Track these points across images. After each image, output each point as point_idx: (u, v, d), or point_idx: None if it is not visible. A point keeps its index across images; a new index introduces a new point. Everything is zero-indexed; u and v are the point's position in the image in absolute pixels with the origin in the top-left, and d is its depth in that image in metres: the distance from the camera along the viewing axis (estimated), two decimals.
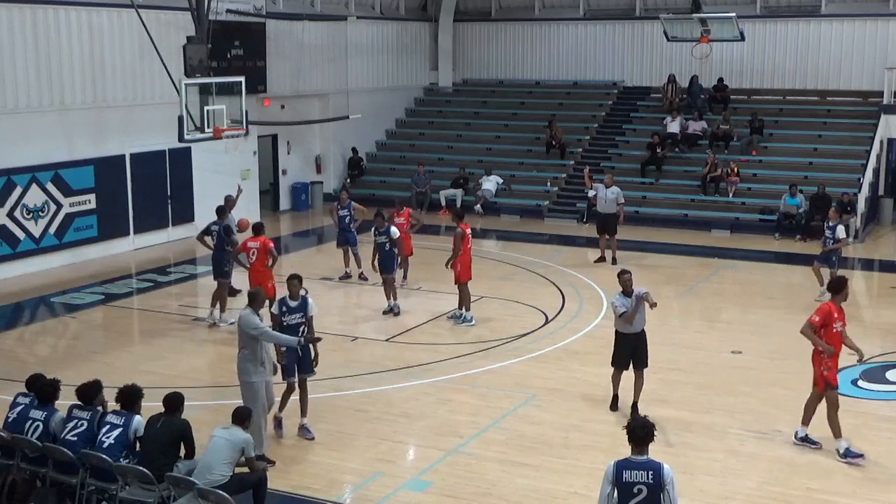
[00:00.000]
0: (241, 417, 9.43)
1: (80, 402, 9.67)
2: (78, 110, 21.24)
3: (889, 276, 21.34)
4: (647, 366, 12.37)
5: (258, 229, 16.17)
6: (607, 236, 21.18)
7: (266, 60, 25.94)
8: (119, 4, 21.03)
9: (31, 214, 20.31)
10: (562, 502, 10.12)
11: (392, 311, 17.06)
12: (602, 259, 21.25)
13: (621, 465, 7.39)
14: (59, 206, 20.83)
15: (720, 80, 29.27)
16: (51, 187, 20.64)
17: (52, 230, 20.72)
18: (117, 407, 9.59)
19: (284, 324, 11.29)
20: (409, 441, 11.84)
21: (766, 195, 25.65)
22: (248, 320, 10.75)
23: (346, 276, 19.65)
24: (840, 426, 11.09)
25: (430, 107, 33.22)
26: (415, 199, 27.88)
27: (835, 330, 10.91)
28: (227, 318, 16.55)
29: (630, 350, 12.26)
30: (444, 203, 27.97)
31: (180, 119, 17.59)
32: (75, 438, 9.38)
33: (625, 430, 7.63)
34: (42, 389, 9.81)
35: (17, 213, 20.01)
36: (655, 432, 7.61)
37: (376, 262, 17.26)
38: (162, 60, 18.95)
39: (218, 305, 16.63)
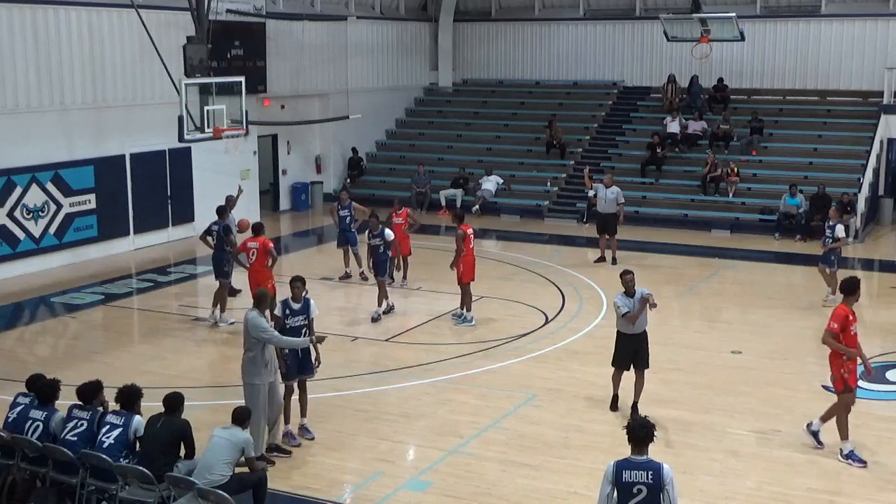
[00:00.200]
0: (241, 417, 9.44)
1: (80, 402, 9.67)
2: (78, 110, 21.25)
3: (889, 276, 21.34)
4: (648, 366, 12.36)
5: (258, 229, 16.17)
6: (607, 236, 21.19)
7: (266, 60, 25.94)
8: (119, 4, 21.03)
9: (31, 214, 20.31)
10: (562, 502, 10.12)
11: (386, 312, 16.93)
12: (602, 259, 21.26)
13: (621, 465, 7.39)
14: (59, 206, 20.83)
15: (720, 80, 29.27)
16: (51, 187, 20.64)
17: (52, 230, 20.72)
18: (117, 407, 9.59)
19: (287, 326, 11.26)
20: (409, 441, 11.84)
21: (766, 195, 25.65)
22: (257, 323, 10.69)
23: (347, 276, 19.65)
24: (848, 430, 11.07)
25: (430, 107, 33.22)
26: (415, 199, 27.90)
27: (852, 332, 10.87)
28: (227, 318, 16.56)
29: (631, 351, 12.26)
30: (444, 203, 27.98)
31: (180, 119, 17.59)
32: (75, 438, 9.38)
33: (625, 430, 7.63)
34: (42, 389, 9.81)
35: (17, 213, 20.02)
36: (655, 432, 7.60)
37: (370, 265, 17.25)
38: (162, 60, 18.95)
39: (218, 306, 16.62)
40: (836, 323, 10.78)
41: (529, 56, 32.81)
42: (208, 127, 18.04)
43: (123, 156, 22.24)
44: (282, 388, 11.38)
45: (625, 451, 7.57)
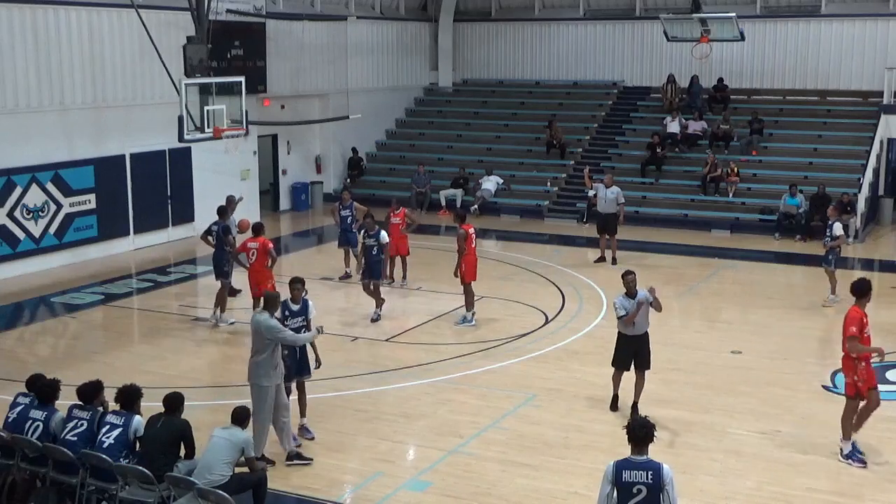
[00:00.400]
0: (241, 417, 9.44)
1: (80, 402, 9.66)
2: (78, 110, 21.24)
3: (889, 276, 21.33)
4: (649, 367, 12.35)
5: (258, 230, 16.18)
6: (607, 236, 21.19)
7: (266, 60, 25.94)
8: (119, 4, 21.03)
9: (31, 214, 20.30)
10: (562, 502, 10.13)
11: (378, 318, 16.79)
12: (602, 259, 21.26)
13: (621, 465, 7.39)
14: (59, 206, 20.83)
15: (720, 80, 29.28)
16: (51, 187, 20.64)
17: (52, 230, 20.72)
18: (117, 407, 9.59)
19: (286, 327, 11.26)
20: (409, 441, 11.83)
21: (766, 195, 25.65)
22: (271, 324, 10.64)
23: (347, 276, 19.64)
24: (851, 431, 11.06)
25: (430, 107, 33.22)
26: (415, 199, 27.91)
27: (866, 335, 10.83)
28: (227, 318, 16.56)
29: (631, 352, 12.25)
30: (443, 203, 27.98)
31: (180, 119, 17.58)
32: (75, 438, 9.38)
33: (625, 430, 7.63)
34: (42, 389, 9.81)
35: (17, 213, 20.01)
36: (655, 432, 7.60)
37: (359, 267, 17.18)
38: (162, 60, 18.95)
39: (218, 305, 16.63)
40: (854, 326, 10.69)
41: (529, 56, 32.81)
42: (208, 127, 18.04)
43: (123, 156, 22.24)
44: None
45: (625, 451, 7.57)
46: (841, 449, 11.08)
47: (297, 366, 11.39)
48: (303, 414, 11.71)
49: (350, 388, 13.38)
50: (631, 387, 12.35)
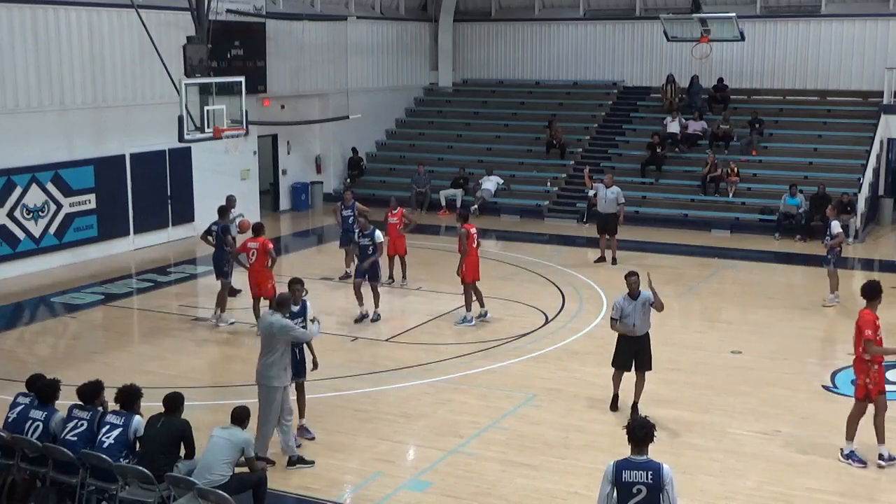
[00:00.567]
0: (241, 417, 9.43)
1: (80, 402, 9.66)
2: (78, 110, 21.24)
3: (889, 276, 21.28)
4: (650, 369, 12.32)
5: (258, 230, 16.17)
6: (607, 236, 21.19)
7: (266, 60, 25.94)
8: (119, 4, 21.02)
9: (31, 214, 20.30)
10: (562, 502, 10.13)
11: (363, 319, 16.61)
12: (602, 259, 21.26)
13: (621, 465, 7.39)
14: (59, 206, 20.83)
15: (720, 80, 29.27)
16: (51, 187, 20.64)
17: (52, 230, 20.72)
18: (117, 407, 9.59)
19: None
20: (409, 441, 11.83)
21: (766, 195, 25.65)
22: (285, 323, 10.65)
23: (347, 276, 19.61)
24: (855, 433, 11.02)
25: (430, 107, 33.22)
26: (415, 199, 27.91)
27: (878, 336, 10.81)
28: (227, 318, 16.56)
29: (631, 353, 12.22)
30: (443, 203, 27.98)
31: (180, 119, 17.58)
32: (75, 438, 9.38)
33: (625, 430, 7.63)
34: (42, 389, 9.81)
35: (17, 213, 20.01)
36: (655, 433, 7.60)
37: (348, 265, 17.12)
38: (162, 60, 18.95)
39: (219, 305, 16.63)
40: (870, 329, 10.60)
41: (529, 56, 32.81)
42: (208, 127, 18.04)
43: (123, 156, 22.23)
44: None
45: (625, 451, 7.57)
46: (841, 449, 11.08)
47: (296, 368, 11.38)
48: (301, 415, 11.71)
49: (350, 388, 13.38)
50: (631, 387, 12.35)
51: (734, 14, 26.27)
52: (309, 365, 11.52)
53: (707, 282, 20.13)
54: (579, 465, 10.89)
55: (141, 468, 8.99)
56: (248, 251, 15.93)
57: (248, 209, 24.13)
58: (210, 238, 17.04)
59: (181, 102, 17.51)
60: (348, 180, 29.32)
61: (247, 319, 16.39)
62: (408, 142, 31.71)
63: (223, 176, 23.75)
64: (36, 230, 20.41)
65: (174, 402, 9.43)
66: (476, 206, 27.20)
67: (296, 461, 10.87)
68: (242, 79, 19.16)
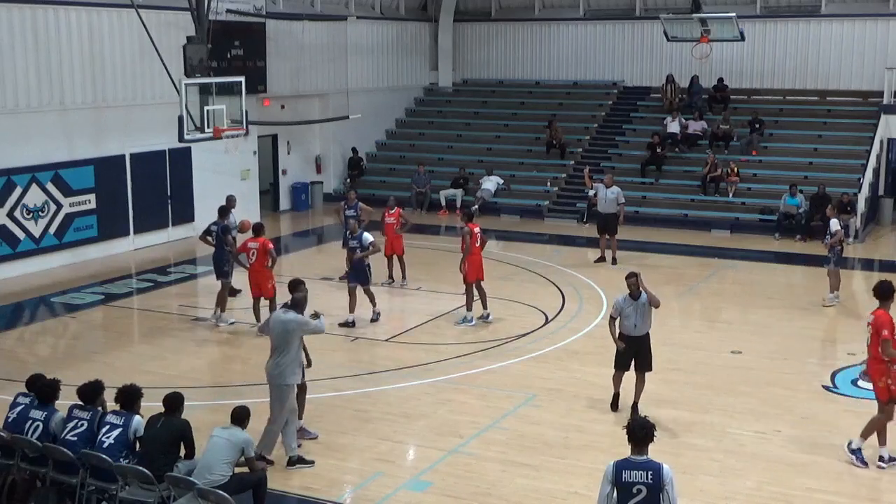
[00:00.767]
0: (241, 417, 9.43)
1: (80, 402, 9.66)
2: (78, 110, 21.24)
3: (889, 276, 21.02)
4: (650, 369, 12.31)
5: (258, 230, 16.18)
6: (607, 236, 21.19)
7: (266, 60, 25.94)
8: (119, 4, 21.02)
9: (31, 214, 20.30)
10: (562, 502, 10.13)
11: (344, 324, 16.31)
12: (602, 259, 21.26)
13: (621, 465, 7.39)
14: (59, 206, 20.82)
15: (720, 80, 29.27)
16: (51, 187, 20.64)
17: (52, 230, 20.71)
18: (117, 407, 9.59)
19: None
20: (409, 441, 11.83)
21: (766, 195, 25.65)
22: (301, 320, 10.68)
23: (347, 276, 19.59)
24: (871, 434, 10.96)
25: (430, 107, 33.22)
26: (415, 199, 27.92)
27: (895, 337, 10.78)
28: (227, 318, 16.56)
29: (631, 353, 12.22)
30: (443, 203, 27.99)
31: (180, 119, 17.58)
32: (75, 438, 9.38)
33: (625, 430, 7.62)
34: (42, 389, 9.81)
35: (17, 213, 20.01)
36: (655, 433, 7.60)
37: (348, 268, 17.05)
38: (162, 60, 18.95)
39: (219, 305, 16.63)
40: (887, 329, 10.56)
41: (529, 56, 32.80)
42: (208, 127, 18.04)
43: (123, 156, 22.23)
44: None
45: (625, 451, 7.57)
46: (850, 441, 11.01)
47: None
48: (300, 416, 11.67)
49: (350, 388, 13.38)
50: (631, 386, 12.35)
51: (734, 14, 26.27)
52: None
53: (707, 282, 20.13)
54: (579, 465, 10.89)
55: (141, 468, 8.99)
56: (248, 251, 15.93)
57: (248, 209, 24.16)
58: (209, 238, 17.04)
59: (181, 102, 17.51)
60: (348, 180, 29.33)
61: (247, 319, 16.39)
62: (408, 142, 31.71)
63: (223, 176, 23.75)
64: (36, 230, 20.41)
65: (174, 402, 9.43)
66: (476, 206, 27.17)
67: (296, 461, 10.87)
68: (242, 79, 19.17)
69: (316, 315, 11.04)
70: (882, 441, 10.99)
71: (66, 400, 9.93)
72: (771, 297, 18.63)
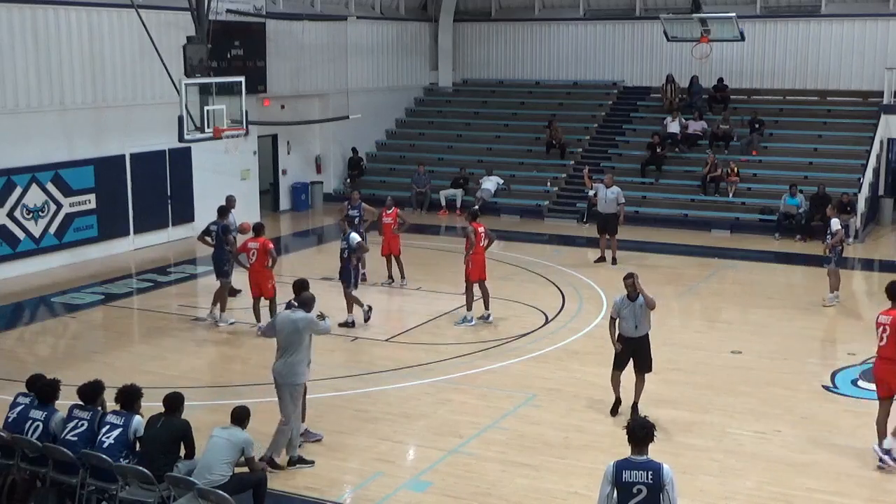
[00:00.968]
0: (241, 417, 9.43)
1: (80, 402, 9.66)
2: (78, 110, 21.24)
3: (889, 276, 21.06)
4: (650, 370, 12.28)
5: (258, 230, 16.17)
6: (607, 236, 21.19)
7: (266, 60, 25.94)
8: (119, 4, 21.02)
9: (31, 214, 20.30)
10: (562, 502, 10.13)
11: (343, 324, 16.21)
12: (602, 259, 21.26)
13: (621, 466, 7.39)
14: (59, 206, 20.82)
15: (720, 80, 29.27)
16: (51, 187, 20.64)
17: (52, 230, 20.72)
18: (117, 407, 9.59)
19: None
20: (409, 441, 11.83)
21: (766, 195, 25.65)
22: (311, 318, 10.69)
23: None
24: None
25: (430, 107, 33.22)
26: (415, 199, 27.92)
27: None
28: (227, 318, 16.56)
29: (628, 353, 12.18)
30: (443, 203, 27.99)
31: (180, 119, 17.58)
32: (75, 438, 9.38)
33: (625, 431, 7.62)
34: (42, 389, 9.81)
35: (17, 213, 20.01)
36: (656, 433, 7.60)
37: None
38: (162, 60, 18.94)
39: (218, 305, 16.61)
40: None
41: (529, 56, 32.80)
42: (208, 127, 18.03)
43: (123, 156, 22.23)
44: None
45: (625, 451, 7.57)
46: (883, 445, 10.92)
47: None
48: (302, 419, 11.65)
49: (350, 388, 13.38)
50: (631, 387, 12.33)
51: (734, 14, 26.26)
52: None
53: (707, 282, 20.13)
54: (579, 465, 10.89)
55: (141, 468, 8.99)
56: (248, 251, 15.93)
57: (248, 209, 24.17)
58: (208, 238, 17.01)
59: (181, 102, 17.50)
60: (348, 180, 29.34)
61: (247, 319, 16.39)
62: (408, 142, 31.71)
63: (223, 176, 23.75)
64: (36, 230, 20.41)
65: (174, 402, 9.43)
66: (477, 206, 27.12)
67: (296, 461, 10.87)
68: (242, 79, 19.16)
69: (321, 316, 11.04)
70: (881, 438, 10.98)
71: (66, 400, 9.93)
72: (771, 297, 18.63)
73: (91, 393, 9.69)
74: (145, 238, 22.90)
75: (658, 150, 27.33)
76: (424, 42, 33.34)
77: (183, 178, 23.72)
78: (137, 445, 9.37)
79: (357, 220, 19.37)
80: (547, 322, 16.80)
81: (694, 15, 26.26)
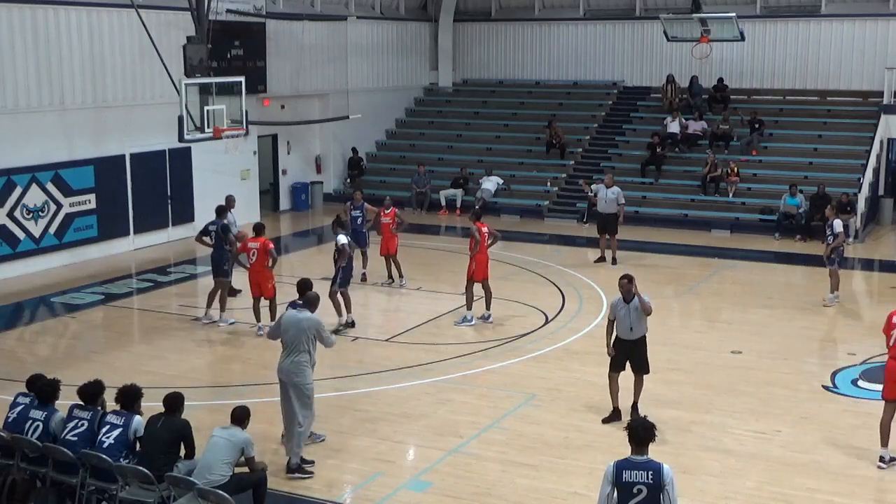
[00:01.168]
0: (241, 417, 9.42)
1: (80, 402, 9.66)
2: (78, 110, 21.24)
3: (889, 275, 21.34)
4: (647, 371, 12.21)
5: (259, 230, 16.15)
6: (607, 236, 21.19)
7: (266, 60, 25.95)
8: (119, 4, 21.03)
9: (31, 214, 20.30)
10: (562, 502, 10.12)
11: (348, 325, 16.21)
12: (602, 259, 21.26)
13: (621, 466, 7.39)
14: (59, 206, 20.83)
15: (720, 80, 29.27)
16: (51, 187, 20.64)
17: (52, 230, 20.72)
18: (117, 407, 9.59)
19: None
20: (409, 441, 11.83)
21: (766, 195, 25.65)
22: (317, 321, 10.69)
23: (363, 276, 19.54)
24: None
25: (430, 107, 33.22)
26: (415, 199, 27.92)
27: None
28: (227, 318, 16.56)
29: (624, 355, 12.09)
30: (443, 203, 27.99)
31: (180, 119, 17.59)
32: (75, 438, 9.37)
33: (625, 431, 7.62)
34: (42, 389, 9.80)
35: (17, 213, 20.01)
36: (657, 433, 7.60)
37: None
38: (162, 60, 18.95)
39: (217, 305, 16.61)
40: None
41: (529, 56, 32.80)
42: (208, 127, 18.05)
43: (123, 156, 22.24)
44: None
45: (625, 450, 7.57)
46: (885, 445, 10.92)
47: None
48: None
49: (350, 388, 13.39)
50: (629, 393, 12.28)
51: (734, 14, 26.27)
52: None
53: (707, 282, 20.13)
54: (579, 465, 10.89)
55: (141, 468, 8.99)
56: (248, 251, 15.93)
57: (248, 209, 24.18)
58: (206, 239, 16.96)
59: (181, 102, 17.51)
60: (348, 180, 29.34)
61: (247, 319, 16.39)
62: (408, 142, 31.71)
63: (223, 176, 23.75)
64: (36, 230, 20.41)
65: (174, 402, 9.43)
66: (477, 206, 27.15)
67: (295, 469, 10.80)
68: (242, 79, 19.18)
69: (338, 331, 10.99)
70: (884, 442, 10.98)
71: (66, 400, 9.93)
72: (771, 297, 18.63)
73: (91, 393, 9.68)
74: (145, 238, 22.90)
75: (658, 150, 27.33)
76: (424, 42, 33.35)
77: (183, 178, 23.73)
78: (137, 445, 9.37)
79: (360, 220, 19.39)
80: (547, 322, 16.80)
81: (694, 15, 26.27)
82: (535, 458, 11.09)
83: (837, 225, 17.89)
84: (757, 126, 27.48)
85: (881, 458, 10.92)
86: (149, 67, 21.24)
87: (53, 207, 20.71)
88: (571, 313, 17.33)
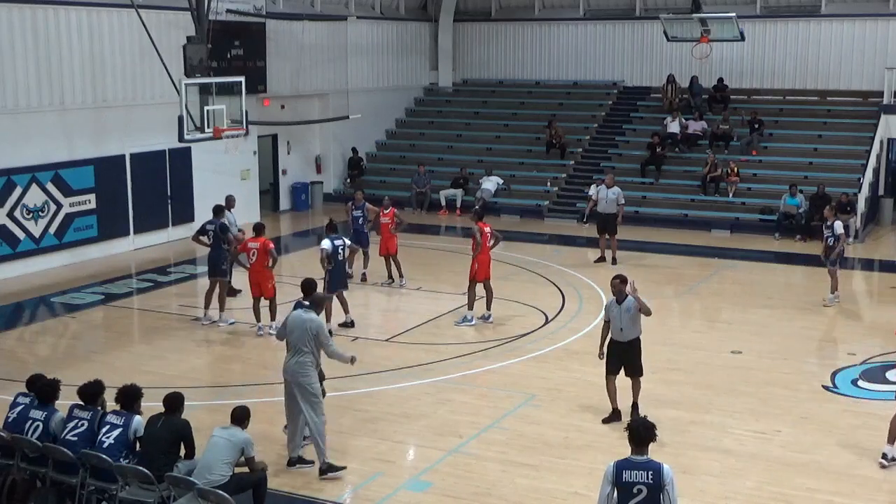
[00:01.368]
0: (241, 417, 9.42)
1: (80, 402, 9.66)
2: (78, 110, 21.24)
3: (889, 275, 21.34)
4: (641, 374, 12.13)
5: (259, 230, 16.14)
6: (607, 236, 21.19)
7: (266, 60, 25.94)
8: (119, 4, 21.03)
9: (31, 214, 20.30)
10: (562, 502, 10.12)
11: (346, 324, 16.22)
12: (602, 259, 21.26)
13: (621, 466, 7.39)
14: (59, 206, 20.82)
15: (720, 80, 29.26)
16: (51, 187, 20.64)
17: (52, 230, 20.72)
18: (117, 407, 9.59)
19: None
20: (409, 441, 11.83)
21: (766, 195, 25.65)
22: (322, 325, 10.64)
23: (351, 277, 19.56)
24: None
25: (430, 107, 33.22)
26: (415, 199, 27.92)
27: None
28: (227, 318, 16.56)
29: (617, 357, 12.03)
30: (444, 203, 27.99)
31: (180, 119, 17.59)
32: (75, 438, 9.37)
33: (626, 431, 7.62)
34: (42, 389, 9.80)
35: (17, 213, 20.01)
36: (657, 433, 7.60)
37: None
38: (162, 60, 18.95)
39: (216, 305, 16.60)
40: None
41: (529, 56, 32.80)
42: (208, 127, 18.04)
43: (123, 156, 22.24)
44: None
45: (625, 450, 7.57)
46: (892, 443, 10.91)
47: None
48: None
49: (350, 388, 13.38)
50: (629, 387, 12.29)
51: (734, 14, 26.27)
52: None
53: (707, 282, 20.13)
54: (579, 465, 10.89)
55: (141, 468, 8.99)
56: (248, 251, 15.93)
57: (248, 209, 24.17)
58: (203, 238, 16.95)
59: (181, 102, 17.51)
60: (348, 180, 29.34)
61: (247, 319, 16.39)
62: (408, 142, 31.71)
63: (223, 176, 23.75)
64: (36, 230, 20.41)
65: (174, 402, 9.43)
66: (477, 206, 27.14)
67: (296, 461, 10.86)
68: (242, 79, 19.17)
69: (352, 361, 10.93)
70: (891, 440, 10.97)
71: (66, 400, 9.93)
72: (771, 297, 18.62)
73: (91, 393, 9.68)
74: (145, 238, 22.90)
75: (658, 150, 27.32)
76: (424, 42, 33.34)
77: (183, 178, 23.73)
78: (137, 445, 9.37)
79: (361, 220, 19.39)
80: (547, 322, 16.80)
81: (694, 15, 26.27)
82: (535, 458, 11.09)
83: (838, 227, 17.87)
84: (757, 126, 27.48)
85: (884, 455, 10.91)
86: (149, 67, 21.24)
87: (53, 207, 20.70)
88: (571, 313, 17.33)
